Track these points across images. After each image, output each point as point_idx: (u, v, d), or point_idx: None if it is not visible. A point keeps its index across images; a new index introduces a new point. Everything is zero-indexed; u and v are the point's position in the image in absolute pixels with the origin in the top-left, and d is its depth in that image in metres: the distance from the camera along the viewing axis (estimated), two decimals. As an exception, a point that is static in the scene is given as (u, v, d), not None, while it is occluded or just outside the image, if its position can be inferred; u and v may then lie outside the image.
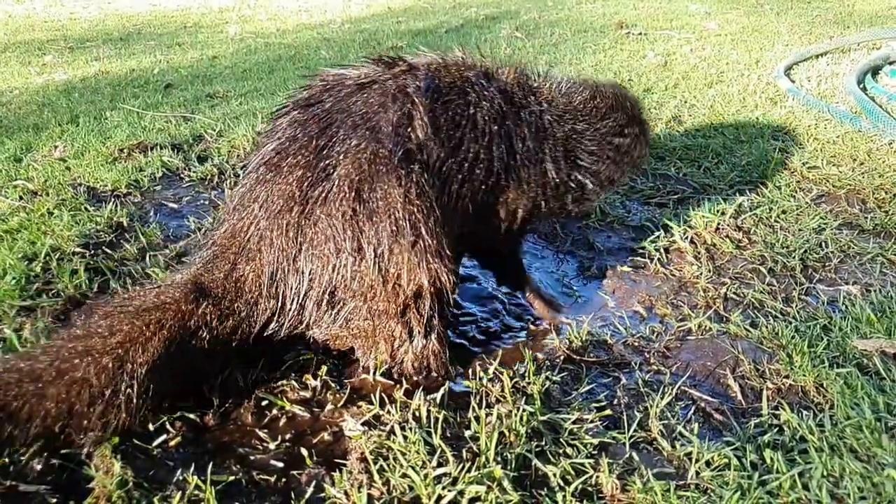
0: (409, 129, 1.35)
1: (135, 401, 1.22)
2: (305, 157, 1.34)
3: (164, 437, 1.30)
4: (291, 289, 1.36)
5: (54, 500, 1.16)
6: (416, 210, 1.32)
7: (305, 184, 1.32)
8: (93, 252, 2.02)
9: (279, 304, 1.37)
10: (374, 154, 1.32)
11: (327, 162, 1.32)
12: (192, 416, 1.36)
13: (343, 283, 1.35)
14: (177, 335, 1.28)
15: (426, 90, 1.39)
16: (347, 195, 1.30)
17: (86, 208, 2.31)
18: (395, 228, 1.31)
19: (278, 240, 1.33)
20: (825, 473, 1.19)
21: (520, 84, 1.61)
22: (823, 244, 2.06)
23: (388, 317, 1.40)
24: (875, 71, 3.91)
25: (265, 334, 1.41)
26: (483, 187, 1.49)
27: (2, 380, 1.14)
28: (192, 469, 1.22)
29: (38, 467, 1.22)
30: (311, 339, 1.51)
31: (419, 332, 1.43)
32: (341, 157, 1.32)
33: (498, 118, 1.49)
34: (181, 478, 1.20)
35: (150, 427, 1.32)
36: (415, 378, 1.50)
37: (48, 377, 1.16)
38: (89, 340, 1.22)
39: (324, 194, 1.31)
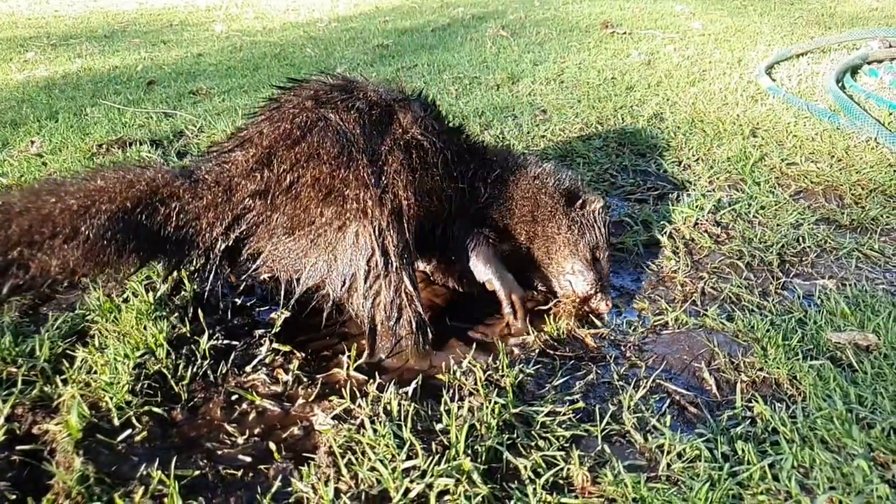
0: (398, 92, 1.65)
1: (92, 246, 1.29)
2: (320, 86, 1.56)
3: (129, 431, 1.28)
4: (278, 176, 1.44)
5: (14, 497, 1.13)
6: (401, 142, 1.54)
7: (322, 98, 1.52)
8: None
9: (259, 189, 1.45)
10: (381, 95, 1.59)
11: (345, 89, 1.56)
12: (158, 410, 1.34)
13: (329, 174, 1.44)
14: (146, 197, 1.37)
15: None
16: (359, 112, 1.51)
17: (59, 203, 2.27)
18: (388, 147, 1.52)
19: (281, 128, 1.47)
20: (795, 464, 1.18)
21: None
22: (801, 239, 2.07)
23: (367, 233, 1.44)
24: (854, 70, 3.94)
25: (237, 233, 1.46)
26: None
27: None
28: (156, 464, 1.20)
29: (-2, 463, 1.19)
30: (281, 268, 1.50)
31: (394, 264, 1.47)
32: (355, 89, 1.56)
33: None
34: (145, 472, 1.18)
35: (116, 422, 1.29)
36: (388, 323, 1.50)
37: (16, 210, 1.26)
38: (62, 186, 1.33)
39: (336, 102, 1.51)
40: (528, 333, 1.65)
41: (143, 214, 1.36)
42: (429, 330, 1.55)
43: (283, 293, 1.53)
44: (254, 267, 1.51)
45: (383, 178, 1.49)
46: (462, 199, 1.72)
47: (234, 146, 1.52)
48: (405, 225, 1.51)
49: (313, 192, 1.44)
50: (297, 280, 1.49)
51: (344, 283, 1.47)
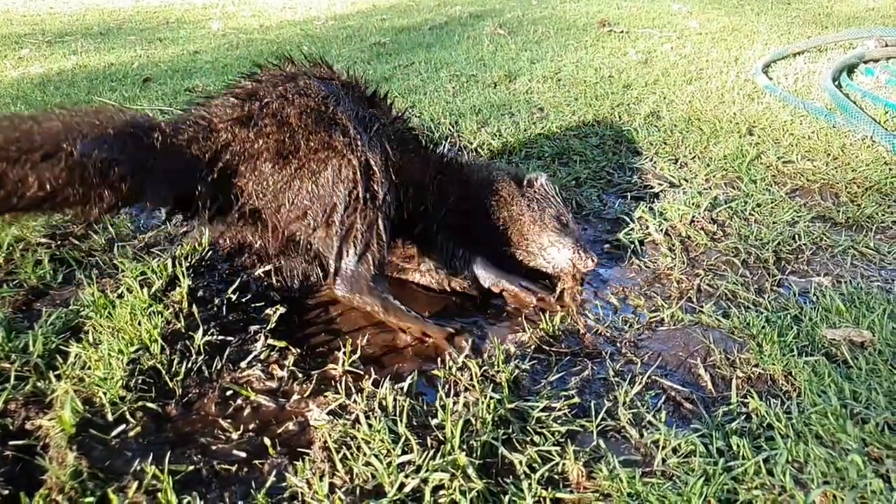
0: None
1: (74, 164, 1.28)
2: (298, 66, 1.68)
3: (122, 426, 1.27)
4: (263, 104, 1.49)
5: (6, 492, 1.12)
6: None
7: (302, 70, 1.64)
8: (59, 243, 1.98)
9: (243, 116, 1.49)
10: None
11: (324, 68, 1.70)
12: (153, 405, 1.33)
13: (317, 106, 1.52)
14: (127, 126, 1.38)
15: None
16: (339, 83, 1.64)
17: (54, 199, 2.26)
18: (368, 113, 1.62)
19: (264, 77, 1.59)
20: (790, 459, 1.18)
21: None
22: (797, 237, 2.07)
23: (352, 167, 1.50)
24: (851, 69, 3.94)
25: (220, 165, 1.47)
26: None
27: None
28: (150, 459, 1.19)
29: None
30: (265, 205, 1.52)
31: (372, 203, 1.53)
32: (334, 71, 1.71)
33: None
34: (139, 468, 1.18)
35: (109, 417, 1.29)
36: (353, 258, 1.54)
37: None
38: (40, 115, 1.33)
39: (318, 71, 1.65)
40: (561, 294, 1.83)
41: (126, 139, 1.36)
42: (386, 281, 1.61)
43: (270, 233, 1.56)
44: (238, 206, 1.52)
45: (368, 130, 1.56)
46: (435, 194, 1.83)
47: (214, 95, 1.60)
48: (390, 171, 1.57)
49: (300, 120, 1.49)
50: (280, 216, 1.52)
51: (325, 212, 1.51)
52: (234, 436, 1.29)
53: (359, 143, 1.51)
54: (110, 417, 1.29)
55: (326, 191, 1.49)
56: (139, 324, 1.52)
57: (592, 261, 1.81)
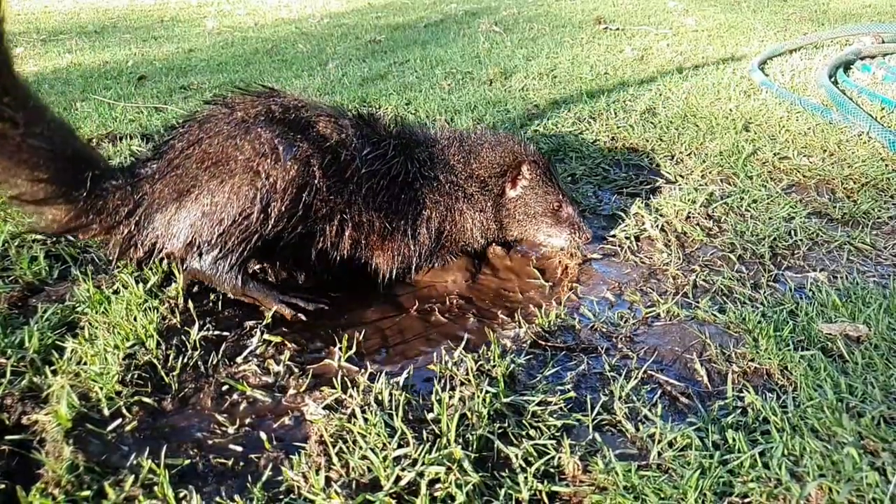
0: None
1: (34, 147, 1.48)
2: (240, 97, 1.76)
3: (119, 421, 1.27)
4: (166, 156, 1.64)
5: (3, 486, 1.12)
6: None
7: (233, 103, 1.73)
8: (55, 240, 1.97)
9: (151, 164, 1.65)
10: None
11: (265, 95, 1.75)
12: (149, 400, 1.33)
13: (222, 144, 1.58)
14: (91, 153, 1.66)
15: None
16: (269, 110, 1.68)
17: (49, 196, 2.25)
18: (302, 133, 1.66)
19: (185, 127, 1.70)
20: (786, 452, 1.19)
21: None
22: (793, 232, 2.07)
23: (254, 188, 1.55)
24: (847, 66, 3.95)
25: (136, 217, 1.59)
26: None
27: None
28: (146, 453, 1.19)
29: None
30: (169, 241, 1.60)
31: (262, 220, 1.56)
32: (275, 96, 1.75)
33: None
34: (135, 462, 1.18)
35: (106, 412, 1.28)
36: (215, 255, 1.60)
37: None
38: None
39: (245, 103, 1.70)
40: None
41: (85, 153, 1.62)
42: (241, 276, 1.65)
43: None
44: (149, 251, 1.62)
45: (294, 149, 1.58)
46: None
47: None
48: (301, 196, 1.58)
49: (200, 161, 1.57)
50: (174, 240, 1.59)
51: (211, 227, 1.55)
52: (231, 430, 1.29)
53: (270, 170, 1.54)
54: (106, 412, 1.29)
55: (218, 208, 1.55)
56: (135, 319, 1.52)
57: (585, 237, 1.94)
